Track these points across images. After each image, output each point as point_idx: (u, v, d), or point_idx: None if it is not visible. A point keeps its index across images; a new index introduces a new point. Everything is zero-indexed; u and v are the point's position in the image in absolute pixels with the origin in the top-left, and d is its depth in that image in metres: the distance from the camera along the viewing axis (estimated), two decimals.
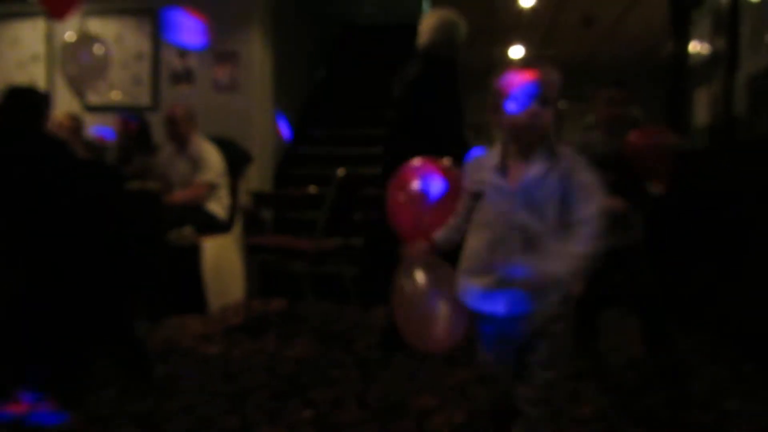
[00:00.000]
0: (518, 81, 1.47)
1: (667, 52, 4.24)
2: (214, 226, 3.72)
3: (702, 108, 3.60)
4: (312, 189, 4.53)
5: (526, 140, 1.42)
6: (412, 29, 6.59)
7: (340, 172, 3.22)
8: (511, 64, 1.53)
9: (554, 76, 1.47)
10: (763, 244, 2.55)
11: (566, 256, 1.34)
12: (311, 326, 3.34)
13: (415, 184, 1.73)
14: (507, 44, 7.36)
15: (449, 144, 2.59)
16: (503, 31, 6.79)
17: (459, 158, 1.85)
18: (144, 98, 4.94)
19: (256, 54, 4.77)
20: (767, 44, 2.79)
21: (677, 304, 3.09)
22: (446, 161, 1.79)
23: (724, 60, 3.24)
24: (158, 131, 4.12)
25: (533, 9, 5.91)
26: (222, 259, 3.85)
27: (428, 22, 2.97)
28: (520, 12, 5.95)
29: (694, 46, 3.86)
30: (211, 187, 3.70)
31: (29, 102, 2.33)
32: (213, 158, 3.75)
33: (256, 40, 4.76)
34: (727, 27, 3.23)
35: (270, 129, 5.00)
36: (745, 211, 2.78)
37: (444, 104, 2.79)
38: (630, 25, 6.23)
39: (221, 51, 4.76)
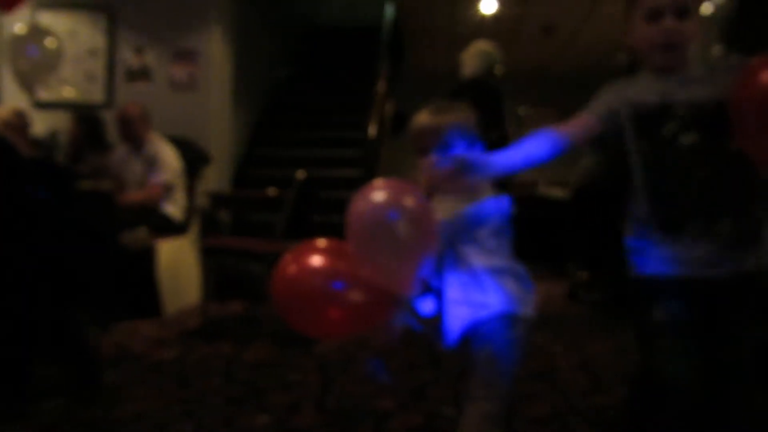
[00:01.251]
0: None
1: (621, 61, 4.36)
2: (169, 228, 3.64)
3: None
4: (271, 191, 4.48)
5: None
6: (374, 31, 6.65)
7: (300, 174, 3.20)
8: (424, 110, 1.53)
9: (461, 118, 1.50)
10: None
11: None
12: (269, 330, 3.30)
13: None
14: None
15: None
16: (466, 38, 6.87)
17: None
18: (97, 95, 4.80)
19: (216, 53, 4.69)
20: (713, 57, 2.90)
21: None
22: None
23: None
24: (112, 129, 4.01)
25: (495, 17, 5.99)
26: (178, 261, 3.76)
27: (472, 53, 3.54)
28: (483, 19, 6.03)
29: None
30: (167, 188, 3.62)
31: None
32: (169, 158, 3.67)
33: (217, 38, 4.68)
34: None
35: (229, 128, 4.93)
36: None
37: (494, 132, 3.10)
38: (587, 34, 6.39)
39: (180, 49, 4.67)
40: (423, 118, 1.52)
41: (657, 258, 1.25)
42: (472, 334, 1.46)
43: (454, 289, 1.49)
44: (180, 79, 4.69)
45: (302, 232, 3.52)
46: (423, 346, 2.69)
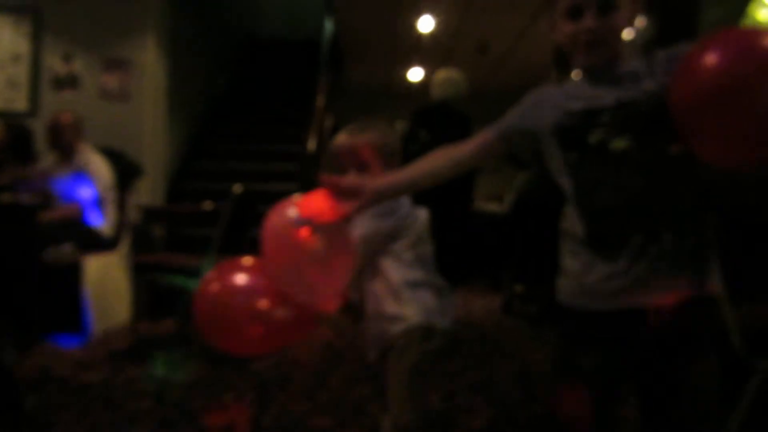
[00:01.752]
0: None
1: (551, 81, 4.53)
2: (98, 244, 3.49)
3: None
4: (207, 205, 4.37)
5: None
6: (314, 45, 6.65)
7: (237, 188, 3.14)
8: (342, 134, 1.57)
9: (380, 139, 1.54)
10: None
11: None
12: (203, 348, 3.20)
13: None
14: (408, 66, 7.56)
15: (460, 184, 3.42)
16: (404, 54, 6.98)
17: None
18: (20, 103, 4.56)
19: (150, 62, 4.56)
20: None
21: None
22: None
23: None
24: (38, 139, 3.82)
25: (432, 34, 6.12)
26: (106, 278, 3.60)
27: (440, 78, 3.78)
28: (420, 37, 6.14)
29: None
30: (97, 202, 3.47)
31: None
32: (100, 170, 3.52)
33: (151, 47, 4.55)
34: None
35: (163, 140, 4.79)
36: None
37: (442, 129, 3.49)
38: (520, 54, 6.61)
39: (111, 57, 4.51)
40: (340, 138, 1.55)
41: (590, 286, 1.10)
42: (388, 346, 1.48)
43: (371, 302, 1.52)
44: (111, 88, 4.52)
45: (238, 247, 3.45)
46: (361, 360, 2.67)
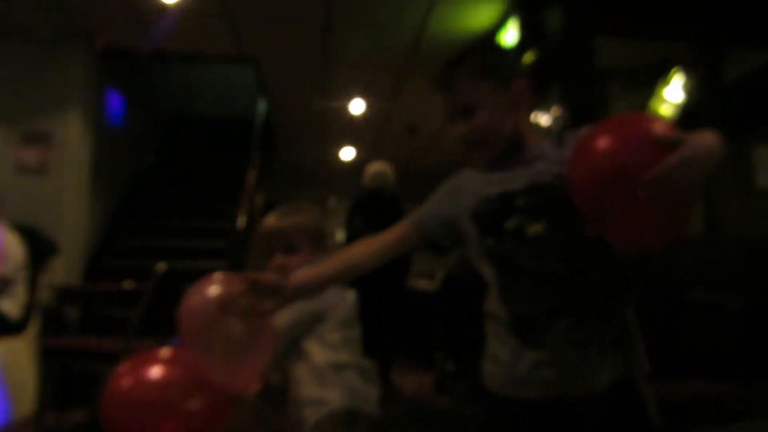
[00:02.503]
0: None
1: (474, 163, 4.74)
2: (3, 327, 3.23)
3: None
4: (127, 284, 4.17)
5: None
6: (246, 124, 6.71)
7: (161, 266, 3.02)
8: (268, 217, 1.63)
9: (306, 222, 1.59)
10: None
11: None
12: None
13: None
14: (340, 146, 7.73)
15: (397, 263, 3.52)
16: (336, 135, 7.14)
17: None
18: None
19: (73, 137, 4.43)
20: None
21: None
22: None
23: None
24: None
25: (363, 116, 6.32)
26: (10, 364, 3.31)
27: (375, 171, 4.24)
28: (351, 119, 6.32)
29: None
30: (6, 282, 3.24)
31: None
32: (12, 248, 3.31)
33: (73, 121, 4.44)
34: None
35: (83, 217, 4.59)
36: None
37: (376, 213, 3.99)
38: (449, 134, 6.91)
39: (30, 131, 4.36)
40: (269, 220, 1.58)
41: (520, 375, 1.07)
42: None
43: (294, 385, 1.48)
44: (29, 162, 4.34)
45: (161, 328, 3.28)
46: None
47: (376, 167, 4.34)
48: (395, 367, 4.81)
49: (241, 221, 4.74)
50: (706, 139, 0.89)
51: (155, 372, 1.31)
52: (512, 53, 1.34)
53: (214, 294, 1.24)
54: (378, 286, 4.51)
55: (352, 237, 4.11)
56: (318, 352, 1.48)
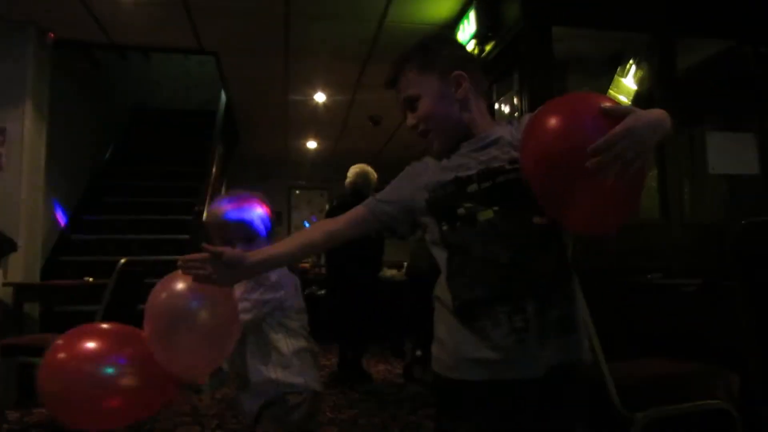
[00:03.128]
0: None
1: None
2: None
3: None
4: (88, 280, 4.10)
5: None
6: (208, 115, 6.63)
7: (123, 260, 2.98)
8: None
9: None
10: None
11: None
12: None
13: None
14: (303, 137, 7.69)
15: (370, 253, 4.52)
16: (298, 125, 7.10)
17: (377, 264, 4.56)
18: None
19: (28, 131, 4.31)
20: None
21: None
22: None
23: None
24: None
25: (326, 107, 6.30)
26: None
27: (355, 171, 4.73)
28: (314, 109, 6.30)
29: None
30: None
31: None
32: None
33: (28, 116, 4.31)
34: None
35: (40, 213, 4.47)
36: None
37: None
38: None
39: None
40: (215, 209, 1.65)
41: (465, 358, 1.09)
42: (265, 409, 1.55)
43: (253, 370, 1.56)
44: None
45: (124, 322, 3.24)
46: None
47: (357, 168, 4.73)
48: (367, 355, 4.87)
49: (204, 213, 4.69)
50: (653, 113, 0.92)
51: (93, 346, 1.27)
52: (454, 44, 1.34)
53: (181, 287, 1.25)
54: (351, 277, 4.59)
55: None
56: (283, 341, 1.56)
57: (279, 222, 9.09)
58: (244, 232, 1.63)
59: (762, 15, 3.54)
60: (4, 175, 4.20)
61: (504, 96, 3.61)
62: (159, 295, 1.27)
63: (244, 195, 1.69)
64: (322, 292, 7.69)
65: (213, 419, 3.32)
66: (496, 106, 3.72)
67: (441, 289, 1.18)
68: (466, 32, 4.01)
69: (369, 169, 4.84)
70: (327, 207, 5.37)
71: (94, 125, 6.09)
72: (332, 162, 9.00)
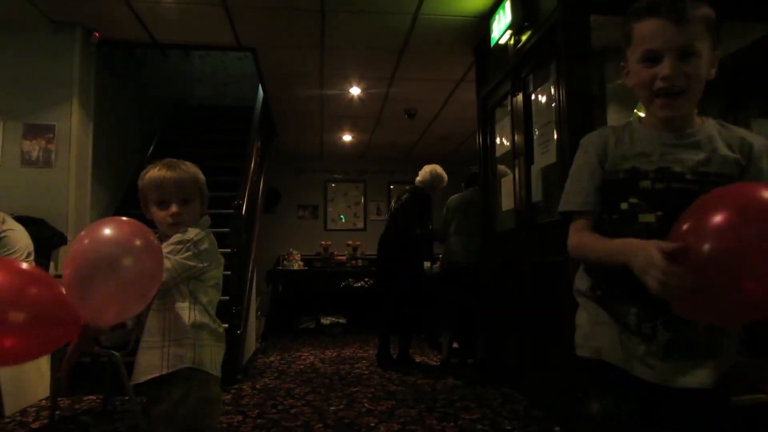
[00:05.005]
0: None
1: (478, 145, 4.76)
2: None
3: (507, 195, 4.06)
4: None
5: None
6: (246, 111, 6.71)
7: None
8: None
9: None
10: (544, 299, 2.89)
11: None
12: (129, 425, 3.03)
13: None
14: (338, 131, 7.74)
15: (420, 242, 4.92)
16: (333, 119, 7.15)
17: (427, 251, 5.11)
18: None
19: (75, 128, 4.47)
20: (554, 143, 3.28)
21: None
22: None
23: (523, 154, 3.73)
24: None
25: (361, 101, 6.33)
26: None
27: (426, 170, 5.04)
28: (350, 100, 6.33)
29: (499, 141, 4.40)
30: None
31: None
32: (19, 239, 3.37)
33: (75, 114, 4.47)
34: (523, 127, 3.75)
35: (88, 207, 4.64)
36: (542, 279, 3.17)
37: (419, 219, 4.87)
38: (446, 119, 6.93)
39: (33, 123, 4.39)
40: (161, 172, 1.61)
41: (628, 353, 1.07)
42: (159, 384, 1.47)
43: (152, 334, 1.50)
44: (32, 154, 4.38)
45: None
46: None
47: (431, 168, 5.03)
48: (411, 344, 4.92)
49: (243, 207, 4.79)
50: None
51: None
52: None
53: (108, 234, 1.30)
54: (399, 270, 4.69)
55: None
56: (188, 311, 1.51)
57: (315, 215, 9.18)
58: (199, 189, 1.62)
59: None
60: (54, 171, 4.37)
61: (541, 87, 3.57)
62: (82, 239, 1.30)
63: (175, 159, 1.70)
64: (359, 284, 7.79)
65: (254, 408, 3.41)
66: (533, 96, 3.69)
67: (579, 279, 1.18)
68: (502, 23, 3.97)
69: (441, 171, 5.03)
70: (392, 203, 5.44)
71: (136, 122, 6.26)
72: (367, 155, 9.03)
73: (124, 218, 1.38)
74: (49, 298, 1.24)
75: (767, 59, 3.76)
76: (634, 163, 1.07)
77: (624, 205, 1.07)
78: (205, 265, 1.54)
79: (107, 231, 1.31)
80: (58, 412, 3.25)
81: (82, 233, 1.32)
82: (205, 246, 1.54)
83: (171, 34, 4.86)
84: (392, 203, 5.21)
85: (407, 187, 5.16)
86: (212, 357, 1.53)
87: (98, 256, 1.26)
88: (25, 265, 1.35)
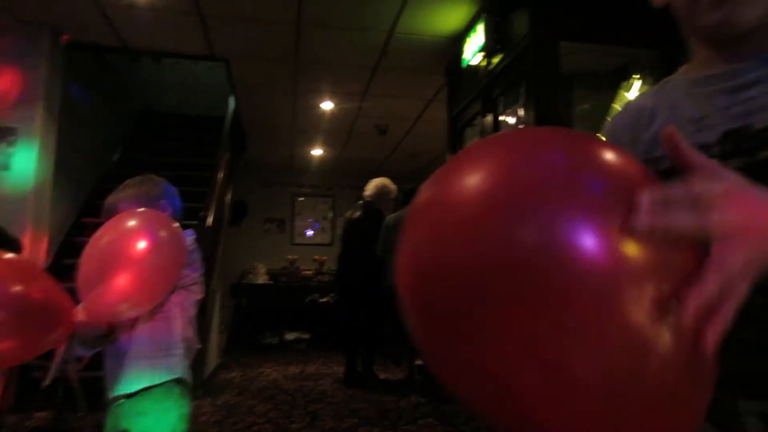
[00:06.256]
0: None
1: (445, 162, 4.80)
2: None
3: None
4: None
5: None
6: (216, 121, 6.64)
7: None
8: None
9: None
10: None
11: None
12: None
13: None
14: (309, 145, 7.73)
15: (372, 258, 4.70)
16: (304, 133, 7.14)
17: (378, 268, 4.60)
18: None
19: (37, 132, 4.34)
20: None
21: None
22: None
23: None
24: None
25: (333, 116, 6.34)
26: None
27: (373, 184, 4.97)
28: (322, 115, 6.33)
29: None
30: None
31: None
32: None
33: (39, 117, 4.36)
34: None
35: (47, 214, 4.51)
36: None
37: (370, 236, 4.74)
38: (417, 137, 6.98)
39: None
40: (109, 198, 1.67)
41: None
42: (138, 398, 1.45)
43: (137, 342, 1.48)
44: None
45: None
46: None
47: (377, 182, 4.98)
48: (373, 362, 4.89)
49: (210, 218, 4.72)
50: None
51: None
52: None
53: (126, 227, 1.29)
54: (360, 287, 4.67)
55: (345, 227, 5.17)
56: (179, 324, 1.52)
57: (282, 228, 9.10)
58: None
59: None
60: (13, 175, 4.23)
61: (510, 108, 3.63)
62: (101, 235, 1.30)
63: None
64: (325, 299, 7.73)
65: (214, 426, 3.33)
66: (502, 118, 3.74)
67: None
68: (474, 45, 4.04)
69: (389, 183, 4.97)
70: (345, 219, 5.19)
71: (102, 129, 6.13)
72: (337, 169, 9.03)
73: (144, 210, 1.36)
74: (37, 292, 1.18)
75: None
76: (692, 138, 0.67)
77: None
78: (199, 275, 1.57)
79: (130, 222, 1.29)
80: (4, 430, 3.12)
81: (105, 226, 1.32)
82: (197, 256, 1.56)
83: (143, 41, 4.79)
84: (345, 221, 5.14)
85: (359, 202, 5.10)
86: (189, 370, 1.54)
87: (116, 249, 1.25)
88: (9, 255, 1.29)
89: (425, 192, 0.49)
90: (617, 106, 3.91)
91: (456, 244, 0.41)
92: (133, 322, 1.47)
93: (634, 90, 3.88)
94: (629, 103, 0.84)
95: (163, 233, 1.28)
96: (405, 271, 0.47)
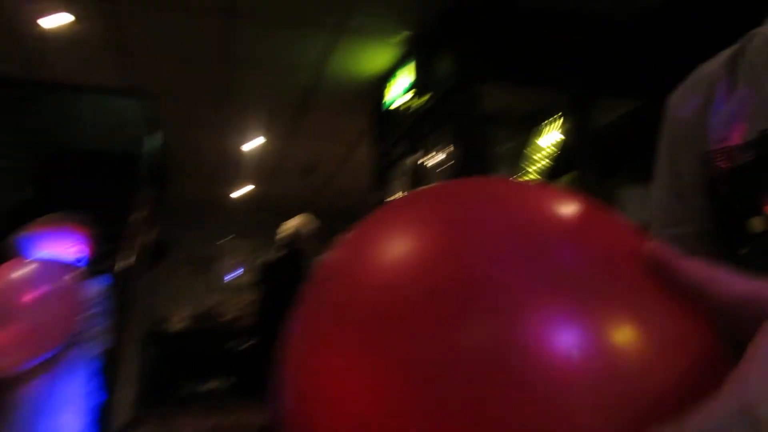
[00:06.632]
0: None
1: (372, 201, 4.82)
2: None
3: None
4: None
5: None
6: (135, 158, 6.39)
7: None
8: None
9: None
10: None
11: None
12: None
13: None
14: (236, 183, 7.56)
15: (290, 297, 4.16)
16: (230, 171, 6.99)
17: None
18: None
19: None
20: None
21: None
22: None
23: None
24: None
25: (261, 154, 6.25)
26: None
27: (289, 224, 4.51)
28: (249, 153, 6.23)
29: (392, 198, 4.48)
30: None
31: None
32: None
33: None
34: (412, 186, 3.85)
35: None
36: None
37: (291, 275, 4.28)
38: (345, 175, 6.99)
39: None
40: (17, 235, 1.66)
41: None
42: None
43: (27, 402, 1.37)
44: None
45: None
46: None
47: (296, 221, 4.66)
48: None
49: (124, 261, 4.47)
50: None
51: None
52: None
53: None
54: (284, 293, 4.50)
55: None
56: (78, 377, 1.44)
57: (205, 270, 8.78)
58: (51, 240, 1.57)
59: (666, 77, 3.83)
60: None
61: (434, 148, 3.70)
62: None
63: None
64: (248, 344, 7.44)
65: None
66: (427, 156, 3.80)
67: None
68: (400, 86, 4.11)
69: (308, 220, 4.68)
70: (261, 263, 4.91)
71: (12, 164, 5.75)
72: (264, 208, 8.86)
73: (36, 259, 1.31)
74: None
75: (634, 131, 4.16)
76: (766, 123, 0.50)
77: (756, 222, 0.50)
78: (104, 325, 1.43)
79: (16, 274, 1.22)
80: None
81: None
82: (105, 305, 1.48)
83: (61, 74, 4.57)
84: (261, 264, 4.91)
85: (278, 243, 4.84)
86: (91, 425, 1.45)
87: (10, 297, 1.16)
88: None
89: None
90: (531, 150, 4.07)
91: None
92: (28, 376, 1.34)
93: (552, 129, 4.06)
94: (694, 75, 0.64)
95: (50, 287, 1.18)
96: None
